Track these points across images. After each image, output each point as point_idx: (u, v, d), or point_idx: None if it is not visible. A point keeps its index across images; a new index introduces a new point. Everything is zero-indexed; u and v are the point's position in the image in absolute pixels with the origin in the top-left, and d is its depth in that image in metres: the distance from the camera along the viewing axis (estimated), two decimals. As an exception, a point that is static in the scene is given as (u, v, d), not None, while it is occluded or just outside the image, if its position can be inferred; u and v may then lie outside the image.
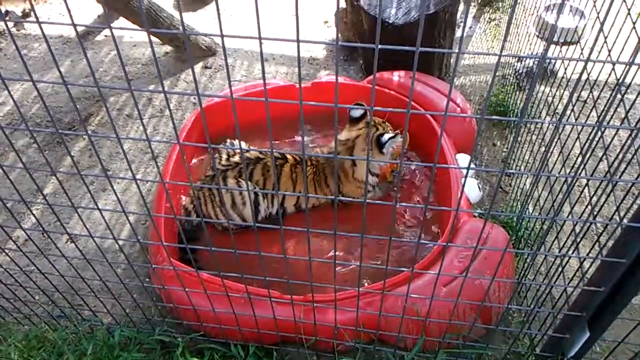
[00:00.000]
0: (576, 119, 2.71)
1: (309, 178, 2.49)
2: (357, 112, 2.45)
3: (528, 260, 2.09)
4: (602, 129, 1.25)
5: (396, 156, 2.62)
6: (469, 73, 3.54)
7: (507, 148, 2.95)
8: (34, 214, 1.54)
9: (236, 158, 2.44)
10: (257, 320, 1.71)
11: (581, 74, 1.28)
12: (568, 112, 2.77)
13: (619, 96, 1.41)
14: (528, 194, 2.00)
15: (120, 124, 3.25)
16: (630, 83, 1.55)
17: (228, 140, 2.59)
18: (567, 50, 3.34)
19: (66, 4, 0.88)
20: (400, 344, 1.95)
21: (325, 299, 1.91)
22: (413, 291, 1.80)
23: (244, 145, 2.61)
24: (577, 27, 3.38)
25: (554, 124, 1.23)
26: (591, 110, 1.81)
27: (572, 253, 1.48)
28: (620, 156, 1.28)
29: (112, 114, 3.30)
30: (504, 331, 2.11)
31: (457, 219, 2.16)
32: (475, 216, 2.31)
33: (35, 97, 3.46)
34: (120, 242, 2.32)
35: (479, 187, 2.47)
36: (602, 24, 1.08)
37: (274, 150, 1.03)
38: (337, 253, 2.35)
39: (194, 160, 2.85)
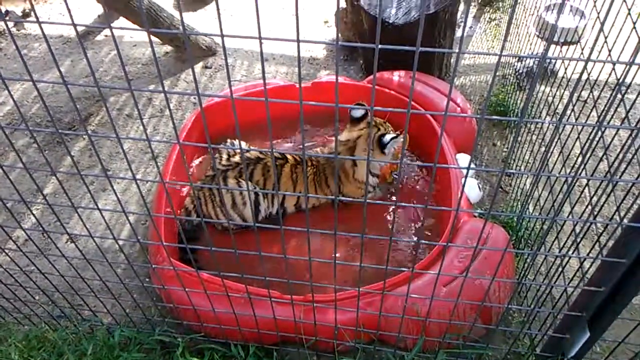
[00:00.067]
0: (576, 119, 2.71)
1: (309, 178, 2.49)
2: (358, 112, 2.44)
3: (528, 260, 2.08)
4: (603, 129, 1.25)
5: (396, 157, 2.62)
6: (469, 73, 3.54)
7: (507, 148, 2.95)
8: (34, 214, 1.54)
9: (236, 158, 2.44)
10: (257, 320, 1.70)
11: (581, 73, 1.28)
12: (568, 112, 2.77)
13: (619, 96, 1.41)
14: (528, 194, 2.00)
15: (120, 123, 3.25)
16: (631, 83, 1.55)
17: (228, 140, 2.59)
18: (567, 50, 3.34)
19: (66, 4, 0.88)
20: (400, 344, 1.95)
21: (325, 299, 1.91)
22: (413, 291, 1.80)
23: (244, 145, 2.61)
24: (577, 27, 3.38)
25: (554, 124, 1.23)
26: (591, 110, 1.81)
27: (572, 253, 1.48)
28: (621, 156, 1.28)
29: (112, 114, 3.30)
30: (504, 331, 2.11)
31: (457, 219, 2.16)
32: (475, 216, 2.31)
33: (35, 97, 3.46)
34: (120, 242, 2.32)
35: (479, 187, 2.47)
36: (603, 24, 1.08)
37: (274, 151, 1.03)
38: (336, 254, 2.35)
39: (196, 162, 2.84)
